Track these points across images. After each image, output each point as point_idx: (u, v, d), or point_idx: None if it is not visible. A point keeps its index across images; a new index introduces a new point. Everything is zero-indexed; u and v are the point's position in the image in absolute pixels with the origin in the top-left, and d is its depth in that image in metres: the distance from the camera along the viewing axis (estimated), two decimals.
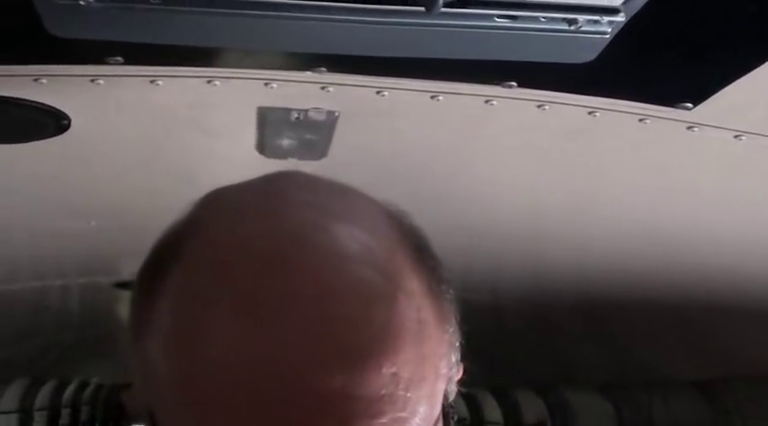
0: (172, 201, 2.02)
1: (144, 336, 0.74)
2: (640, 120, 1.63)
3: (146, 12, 1.19)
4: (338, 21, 1.17)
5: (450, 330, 0.78)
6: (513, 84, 1.49)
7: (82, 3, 1.17)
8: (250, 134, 1.72)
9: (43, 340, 4.72)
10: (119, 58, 1.42)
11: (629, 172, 1.92)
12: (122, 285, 3.41)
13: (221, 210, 0.77)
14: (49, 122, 1.67)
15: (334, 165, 1.83)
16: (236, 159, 1.83)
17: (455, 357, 0.79)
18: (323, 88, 1.52)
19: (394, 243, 0.75)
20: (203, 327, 0.69)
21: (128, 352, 0.78)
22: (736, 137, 1.66)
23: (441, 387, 0.75)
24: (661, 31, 1.34)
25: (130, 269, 2.82)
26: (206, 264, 0.72)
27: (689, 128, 1.65)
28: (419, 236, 0.81)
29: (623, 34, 1.28)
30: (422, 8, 0.92)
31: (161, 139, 1.79)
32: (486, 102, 1.54)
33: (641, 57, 1.42)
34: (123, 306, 3.74)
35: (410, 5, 1.10)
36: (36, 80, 1.50)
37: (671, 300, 2.82)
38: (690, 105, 1.57)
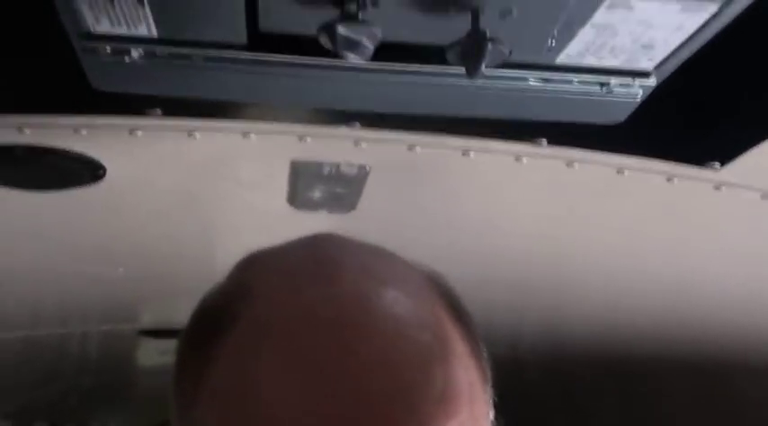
0: (200, 250, 2.06)
1: (197, 404, 0.75)
2: (668, 179, 1.65)
3: (188, 68, 1.22)
4: (375, 80, 1.20)
5: (489, 389, 0.80)
6: (543, 141, 1.52)
7: (127, 59, 1.20)
8: (282, 186, 1.75)
9: (63, 385, 4.72)
10: (158, 111, 1.45)
11: (656, 229, 1.93)
12: (145, 332, 3.42)
13: (273, 274, 0.79)
14: (85, 171, 1.70)
15: (364, 218, 1.86)
16: (267, 210, 1.86)
17: (492, 415, 0.81)
18: (355, 143, 1.55)
19: (437, 306, 0.77)
20: (272, 392, 0.70)
21: (175, 422, 0.79)
22: (763, 197, 1.68)
23: None
24: (690, 92, 1.37)
25: (152, 316, 2.85)
26: (268, 329, 0.73)
27: (716, 187, 1.67)
28: (455, 297, 0.83)
29: (653, 95, 1.30)
30: (462, 71, 0.95)
31: (193, 189, 1.82)
32: (516, 158, 1.56)
33: (670, 118, 1.44)
34: (143, 353, 3.76)
35: (448, 65, 1.12)
36: (75, 131, 1.54)
37: (696, 356, 2.82)
38: (718, 165, 1.59)
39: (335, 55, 0.96)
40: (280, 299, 0.77)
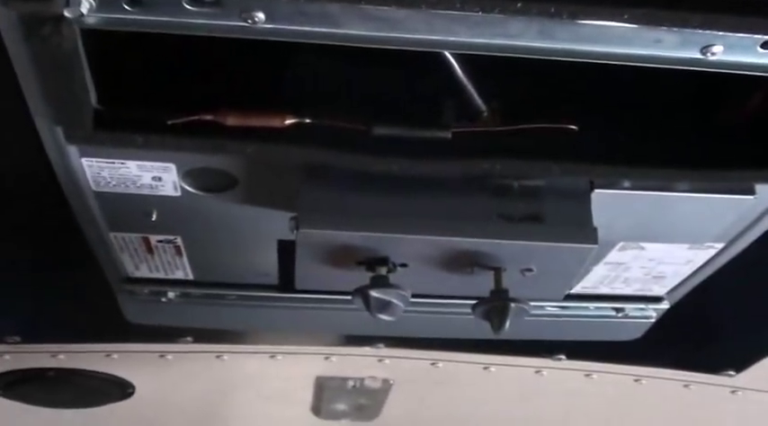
0: None
1: None
2: (684, 386, 1.68)
3: (221, 306, 1.27)
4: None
5: None
6: (562, 357, 1.56)
7: (163, 299, 1.26)
8: (306, 399, 1.78)
9: None
10: (188, 339, 1.50)
11: None
12: None
13: None
14: (115, 391, 1.74)
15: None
16: (292, 421, 1.88)
17: None
18: (380, 360, 1.59)
19: None
20: None
21: None
22: None
23: None
24: (704, 309, 1.41)
25: None
26: None
27: (732, 392, 1.70)
28: None
29: (668, 315, 1.35)
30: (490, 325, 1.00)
31: (219, 403, 1.85)
32: (537, 372, 1.60)
33: (685, 332, 1.48)
34: None
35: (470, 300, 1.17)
36: (107, 355, 1.59)
37: None
38: (733, 373, 1.62)
39: None
40: None
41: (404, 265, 0.97)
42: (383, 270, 0.95)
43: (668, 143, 0.93)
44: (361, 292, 0.94)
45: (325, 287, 1.08)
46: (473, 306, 0.99)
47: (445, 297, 1.25)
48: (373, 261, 0.95)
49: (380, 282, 0.94)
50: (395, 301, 0.94)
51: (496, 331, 0.96)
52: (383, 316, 0.95)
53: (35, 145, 0.90)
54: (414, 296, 1.01)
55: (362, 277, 0.97)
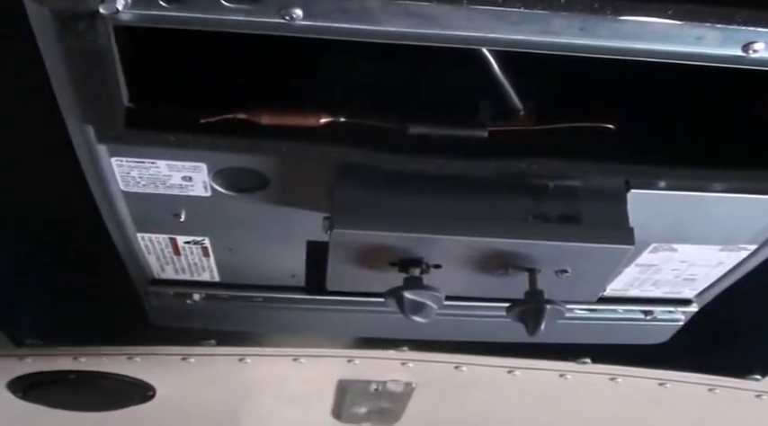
0: None
1: None
2: (710, 390, 1.67)
3: (246, 308, 1.27)
4: None
5: None
6: (587, 360, 1.55)
7: (189, 302, 1.25)
8: (327, 402, 1.78)
9: None
10: (212, 341, 1.49)
11: None
12: None
13: None
14: (136, 394, 1.73)
15: None
16: (312, 424, 1.87)
17: None
18: (403, 363, 1.58)
19: None
20: None
21: None
22: None
23: None
24: (730, 312, 1.40)
25: None
26: None
27: (757, 396, 1.69)
28: None
29: (694, 318, 1.34)
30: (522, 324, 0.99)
31: (240, 406, 1.85)
32: (561, 376, 1.59)
33: (711, 336, 1.47)
34: None
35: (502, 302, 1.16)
36: (129, 358, 1.58)
37: None
38: (759, 377, 1.61)
39: None
40: None
41: (437, 266, 0.96)
42: (417, 272, 0.94)
43: (704, 142, 0.92)
44: (394, 294, 0.93)
45: (357, 288, 1.07)
46: (507, 308, 0.97)
47: (473, 300, 1.24)
48: (407, 263, 0.94)
49: (415, 284, 0.93)
50: (429, 303, 0.93)
51: (532, 333, 0.94)
52: (417, 318, 0.94)
53: (63, 144, 0.89)
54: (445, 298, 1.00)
55: (395, 278, 0.96)
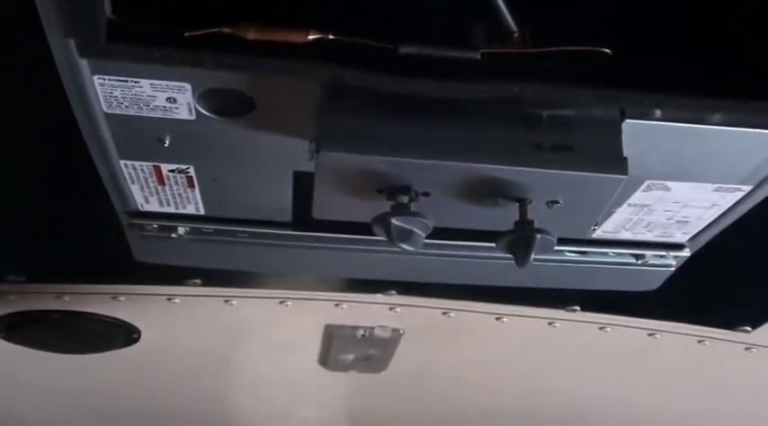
0: (229, 408, 2.04)
1: None
2: (699, 342, 1.66)
3: (232, 244, 1.24)
4: (416, 255, 1.21)
5: None
6: (576, 308, 1.53)
7: (173, 235, 1.23)
8: (314, 348, 1.76)
9: None
10: (197, 281, 1.47)
11: (687, 388, 1.93)
12: None
13: None
14: (121, 336, 1.72)
15: (394, 379, 1.86)
16: (298, 370, 1.86)
17: None
18: (391, 308, 1.56)
19: None
20: None
21: None
22: None
23: None
24: (722, 261, 1.39)
25: None
26: None
27: (747, 348, 1.68)
28: None
29: (686, 264, 1.32)
30: (510, 256, 0.97)
31: (227, 351, 1.83)
32: (549, 324, 1.58)
33: (703, 285, 1.46)
34: None
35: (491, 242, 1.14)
36: (114, 298, 1.56)
37: None
38: (749, 328, 1.60)
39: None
40: None
41: (426, 194, 0.93)
42: (405, 199, 0.92)
43: (704, 73, 0.90)
44: (382, 220, 0.91)
45: (344, 216, 1.05)
46: (497, 239, 0.95)
47: (462, 239, 1.22)
48: (395, 189, 0.92)
49: (402, 210, 0.90)
50: (416, 230, 0.91)
51: (521, 264, 0.92)
52: (404, 246, 0.92)
53: (45, 63, 0.86)
54: (430, 237, 0.98)
55: (383, 206, 0.94)
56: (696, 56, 0.92)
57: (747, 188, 1.10)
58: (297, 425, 2.35)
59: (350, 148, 0.88)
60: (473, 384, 1.97)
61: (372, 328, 1.67)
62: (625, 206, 1.14)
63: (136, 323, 1.67)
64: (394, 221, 0.90)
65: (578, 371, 1.85)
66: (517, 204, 0.94)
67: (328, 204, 0.99)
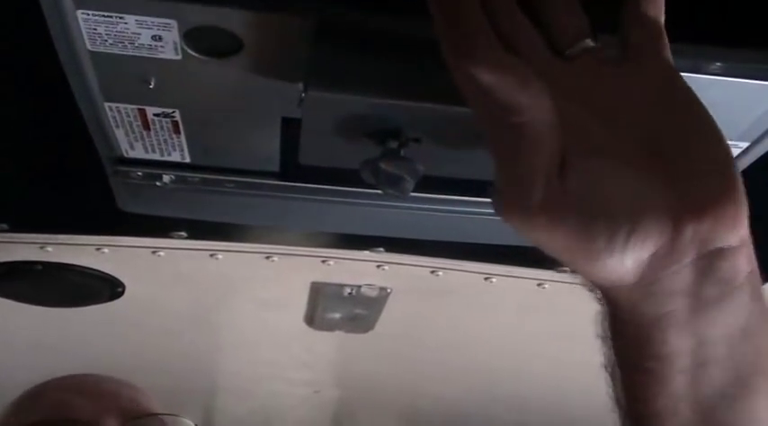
0: (214, 366, 2.03)
1: None
2: None
3: (218, 194, 1.22)
4: (406, 208, 1.20)
5: None
6: (567, 269, 1.51)
7: (158, 184, 1.20)
8: (300, 306, 1.75)
9: None
10: (182, 233, 1.45)
11: None
12: None
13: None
14: (105, 289, 1.70)
15: (380, 339, 1.85)
16: (284, 329, 1.85)
17: None
18: (378, 266, 1.55)
19: None
20: None
21: None
22: None
23: None
24: None
25: None
26: None
27: None
28: None
29: None
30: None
31: (212, 306, 1.82)
32: (539, 284, 1.56)
33: None
34: None
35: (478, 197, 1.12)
36: (98, 249, 1.54)
37: None
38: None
39: (367, 184, 0.97)
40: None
41: (417, 140, 0.91)
42: (395, 144, 0.89)
43: (704, 18, 0.87)
44: (370, 165, 0.89)
45: (332, 162, 1.03)
46: (489, 186, 0.93)
47: (452, 193, 1.20)
48: (384, 133, 0.89)
49: (392, 154, 0.88)
50: (406, 176, 0.89)
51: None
52: (393, 192, 0.89)
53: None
54: (420, 190, 0.96)
55: (372, 152, 0.92)
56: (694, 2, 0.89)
57: (744, 144, 1.08)
58: (282, 385, 2.35)
59: (339, 89, 0.85)
60: (461, 344, 1.96)
61: (359, 286, 1.65)
62: None
63: (120, 277, 1.65)
64: (383, 165, 0.88)
65: (567, 335, 1.84)
66: None
67: (316, 149, 0.97)
